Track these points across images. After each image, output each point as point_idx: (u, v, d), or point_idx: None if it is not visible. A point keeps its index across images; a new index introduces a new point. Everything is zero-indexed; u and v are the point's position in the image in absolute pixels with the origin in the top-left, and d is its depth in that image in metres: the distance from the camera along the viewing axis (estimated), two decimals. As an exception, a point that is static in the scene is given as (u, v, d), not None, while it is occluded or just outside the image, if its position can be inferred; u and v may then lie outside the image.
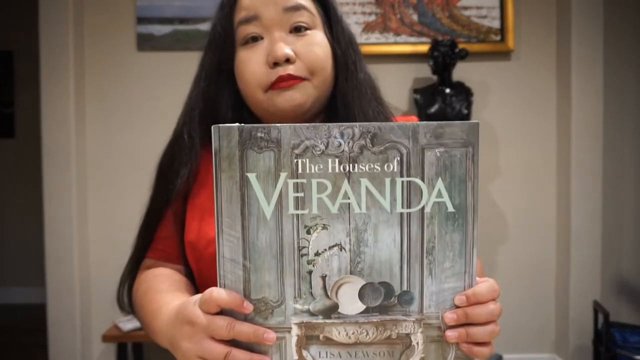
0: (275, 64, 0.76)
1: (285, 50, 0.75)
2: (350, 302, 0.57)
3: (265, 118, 0.81)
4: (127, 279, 0.85)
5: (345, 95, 0.81)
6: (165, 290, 0.74)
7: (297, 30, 0.78)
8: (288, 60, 0.76)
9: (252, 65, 0.77)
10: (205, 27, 2.54)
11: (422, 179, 0.56)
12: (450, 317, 0.57)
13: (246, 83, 0.79)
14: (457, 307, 0.58)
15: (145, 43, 2.57)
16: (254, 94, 0.79)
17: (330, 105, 0.83)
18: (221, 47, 0.80)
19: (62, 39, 2.45)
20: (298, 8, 0.77)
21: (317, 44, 0.78)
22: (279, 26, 0.77)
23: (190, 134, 0.81)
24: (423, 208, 0.57)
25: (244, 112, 0.82)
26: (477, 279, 0.59)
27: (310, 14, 0.79)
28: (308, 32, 0.78)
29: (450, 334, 0.58)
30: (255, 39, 0.78)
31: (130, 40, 2.58)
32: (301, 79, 0.77)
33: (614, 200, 2.67)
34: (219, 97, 0.81)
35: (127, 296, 0.85)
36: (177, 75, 2.56)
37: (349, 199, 0.56)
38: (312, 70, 0.77)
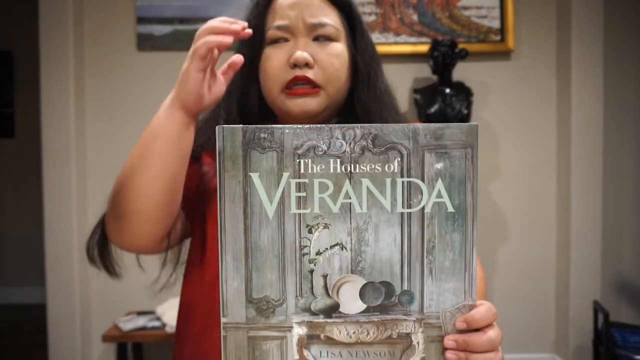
0: (295, 66, 0.82)
1: (306, 55, 0.82)
2: (351, 302, 0.57)
3: (280, 117, 0.87)
4: (100, 228, 0.85)
5: (366, 105, 0.87)
6: None
7: (320, 39, 0.84)
8: (307, 65, 0.82)
9: (274, 62, 0.84)
10: (205, 27, 2.54)
11: (422, 180, 0.57)
12: (449, 343, 0.58)
13: (266, 78, 0.85)
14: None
15: (145, 43, 2.57)
16: (271, 91, 0.85)
17: (345, 112, 0.89)
18: (253, 44, 0.86)
19: (62, 39, 2.45)
20: (324, 25, 0.84)
21: (336, 56, 0.84)
22: (304, 34, 0.84)
23: (227, 117, 0.87)
24: (423, 208, 0.57)
25: (266, 108, 0.88)
26: (477, 301, 0.59)
27: (335, 28, 0.85)
28: (331, 43, 0.85)
29: (450, 356, 0.58)
30: (281, 39, 0.85)
31: (130, 40, 2.58)
32: (315, 88, 0.82)
33: (614, 200, 2.67)
34: (249, 90, 0.88)
35: (98, 245, 0.86)
36: (177, 75, 2.56)
37: (350, 198, 0.57)
38: (328, 80, 0.83)
